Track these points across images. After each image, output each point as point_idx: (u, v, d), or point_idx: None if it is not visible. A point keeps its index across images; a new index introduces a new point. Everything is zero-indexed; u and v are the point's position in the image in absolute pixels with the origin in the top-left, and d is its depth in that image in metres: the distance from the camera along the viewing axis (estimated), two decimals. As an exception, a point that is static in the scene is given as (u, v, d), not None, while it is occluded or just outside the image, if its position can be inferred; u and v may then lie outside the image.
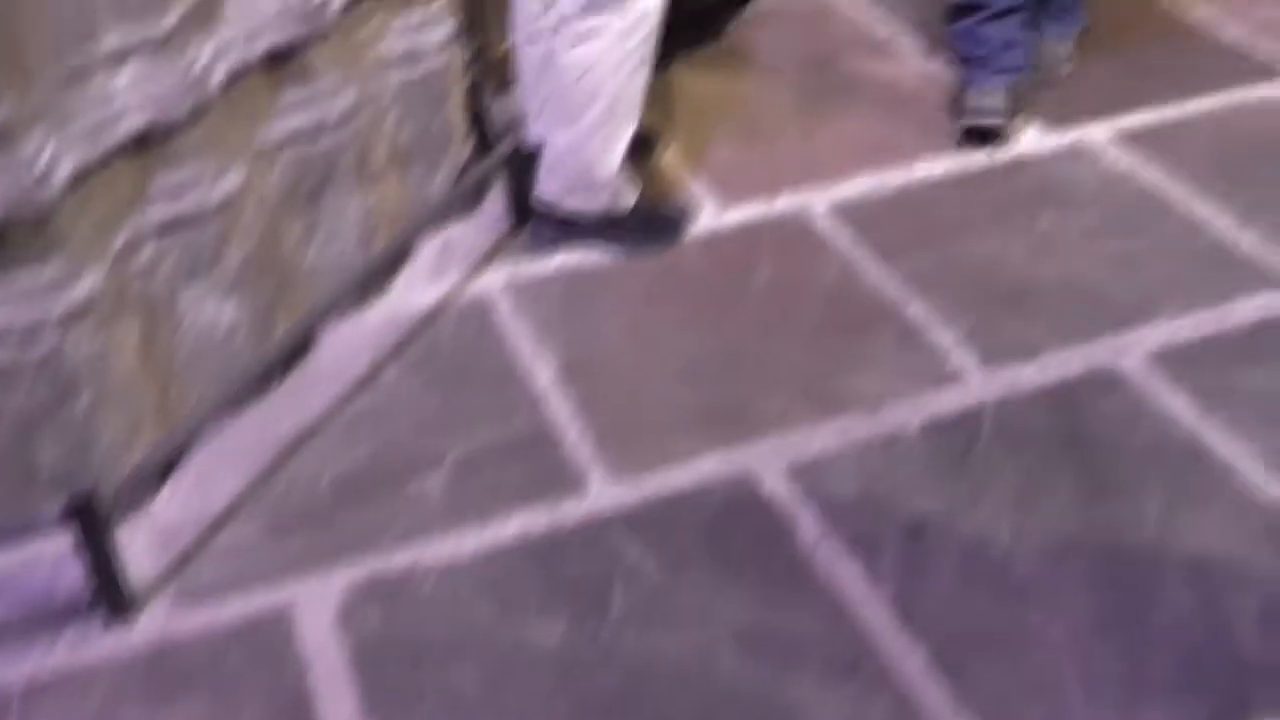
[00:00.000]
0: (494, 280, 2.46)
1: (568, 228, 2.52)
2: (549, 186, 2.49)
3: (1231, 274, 2.42)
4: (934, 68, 3.05)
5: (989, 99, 2.81)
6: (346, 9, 2.19)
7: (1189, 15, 3.24)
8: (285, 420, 2.16)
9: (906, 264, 2.47)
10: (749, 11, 3.30)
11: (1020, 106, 2.85)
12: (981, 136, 2.81)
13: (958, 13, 2.90)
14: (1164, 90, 2.93)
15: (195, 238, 2.03)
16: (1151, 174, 2.69)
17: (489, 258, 2.50)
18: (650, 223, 2.57)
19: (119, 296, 1.93)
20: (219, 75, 2.00)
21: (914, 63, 3.09)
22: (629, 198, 2.54)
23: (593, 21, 2.29)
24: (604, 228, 2.52)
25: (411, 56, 2.36)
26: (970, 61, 2.88)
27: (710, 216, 2.62)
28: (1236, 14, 3.22)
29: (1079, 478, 2.03)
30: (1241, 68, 3.02)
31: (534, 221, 2.54)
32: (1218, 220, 2.55)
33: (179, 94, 1.93)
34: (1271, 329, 2.30)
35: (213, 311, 2.09)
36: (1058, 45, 2.99)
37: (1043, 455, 2.07)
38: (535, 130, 2.52)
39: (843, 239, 2.54)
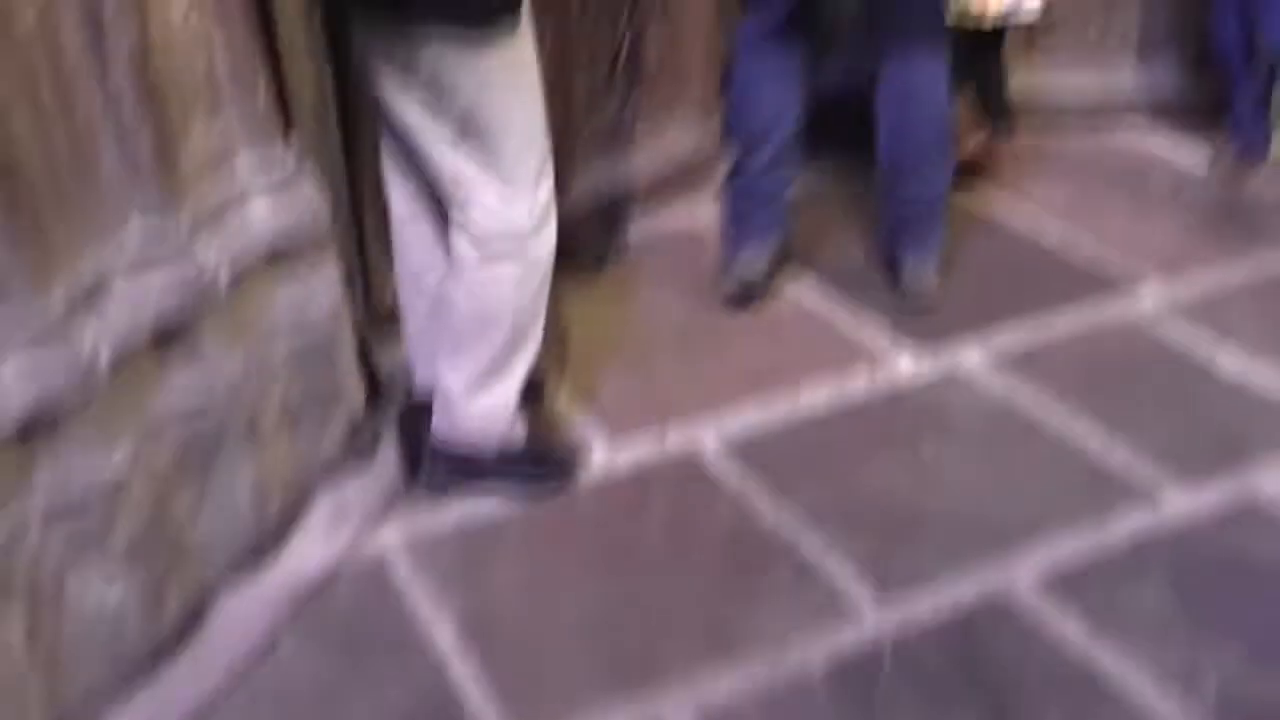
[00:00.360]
0: (390, 537, 2.45)
1: (463, 469, 2.52)
2: (442, 427, 2.50)
3: (1106, 492, 2.51)
4: (812, 297, 3.16)
5: (753, 263, 3.12)
6: (234, 281, 2.22)
7: (1043, 235, 3.42)
8: (180, 699, 2.10)
9: (797, 499, 2.51)
10: (632, 239, 3.39)
11: (780, 265, 3.17)
12: (741, 297, 3.11)
13: (730, 176, 3.17)
14: (1027, 311, 3.07)
15: (83, 519, 1.99)
16: (1022, 396, 2.79)
17: (384, 512, 2.49)
18: (544, 461, 2.59)
19: (2, 585, 1.88)
20: (106, 356, 1.99)
21: (791, 292, 3.19)
22: (521, 435, 2.56)
23: (487, 262, 2.33)
24: (499, 467, 2.53)
25: (299, 319, 2.37)
26: (736, 224, 3.16)
27: (602, 453, 2.65)
28: (1087, 230, 3.40)
29: (980, 708, 2.06)
30: (1096, 285, 3.18)
31: (429, 465, 2.54)
32: (1088, 439, 2.65)
33: (65, 378, 1.91)
34: (1147, 545, 2.38)
35: (101, 592, 2.04)
36: (921, 271, 3.10)
37: (943, 687, 2.10)
38: (424, 375, 2.54)
39: (734, 475, 2.59)
